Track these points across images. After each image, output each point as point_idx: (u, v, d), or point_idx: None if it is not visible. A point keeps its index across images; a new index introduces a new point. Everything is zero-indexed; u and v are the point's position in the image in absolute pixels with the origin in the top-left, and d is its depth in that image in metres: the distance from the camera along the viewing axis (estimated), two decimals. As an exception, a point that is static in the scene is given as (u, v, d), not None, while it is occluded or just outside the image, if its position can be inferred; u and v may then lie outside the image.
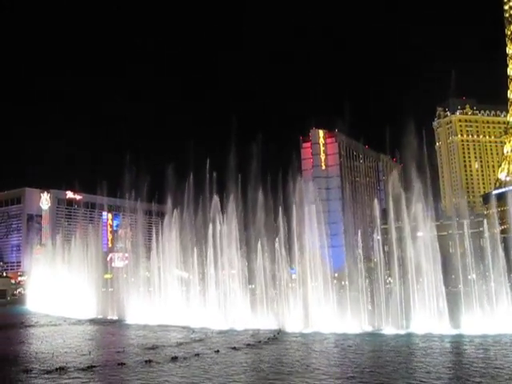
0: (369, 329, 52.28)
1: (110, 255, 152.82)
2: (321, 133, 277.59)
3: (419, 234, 54.55)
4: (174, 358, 37.03)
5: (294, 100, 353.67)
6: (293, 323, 55.01)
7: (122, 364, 35.07)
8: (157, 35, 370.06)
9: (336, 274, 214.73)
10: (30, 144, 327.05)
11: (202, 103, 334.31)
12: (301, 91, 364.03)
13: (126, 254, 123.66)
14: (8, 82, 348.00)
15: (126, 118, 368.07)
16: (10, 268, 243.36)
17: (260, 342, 46.15)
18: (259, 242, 64.21)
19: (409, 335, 47.93)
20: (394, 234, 57.02)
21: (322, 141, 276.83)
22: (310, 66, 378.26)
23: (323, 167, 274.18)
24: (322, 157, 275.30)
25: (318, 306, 56.57)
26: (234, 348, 42.21)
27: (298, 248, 61.54)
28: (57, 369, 33.50)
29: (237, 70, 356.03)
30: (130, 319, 69.16)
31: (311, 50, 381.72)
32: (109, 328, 64.54)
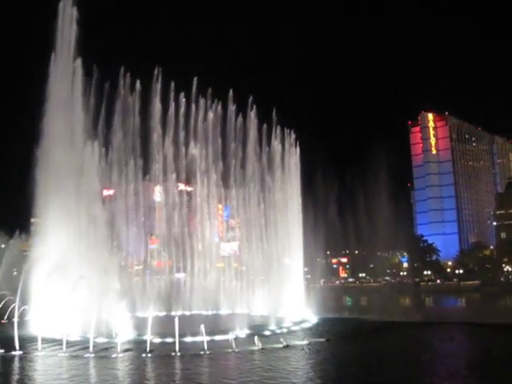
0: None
1: (221, 244, 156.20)
2: (430, 116, 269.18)
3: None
4: (286, 346, 37.57)
5: (401, 82, 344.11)
6: (405, 314, 54.09)
7: (233, 350, 35.98)
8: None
9: (450, 263, 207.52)
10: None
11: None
12: (407, 73, 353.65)
13: (237, 243, 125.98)
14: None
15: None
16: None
17: (371, 331, 45.94)
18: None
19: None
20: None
21: (431, 124, 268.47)
22: (416, 48, 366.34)
23: (434, 152, 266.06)
24: (432, 141, 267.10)
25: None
26: (344, 337, 42.24)
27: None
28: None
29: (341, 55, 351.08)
30: (240, 309, 70.25)
31: (416, 31, 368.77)
32: (216, 316, 65.86)
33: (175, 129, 72.75)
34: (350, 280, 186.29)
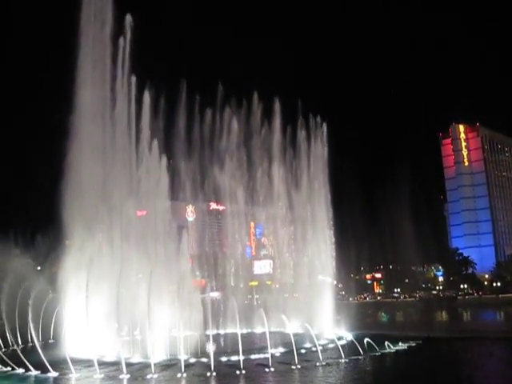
0: None
1: (254, 262, 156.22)
2: (461, 128, 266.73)
3: None
4: (324, 364, 37.05)
5: (430, 95, 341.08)
6: (443, 329, 53.03)
7: (269, 369, 35.63)
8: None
9: (486, 275, 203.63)
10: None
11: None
12: (436, 85, 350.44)
13: (270, 261, 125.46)
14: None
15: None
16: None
17: (408, 347, 45.16)
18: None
19: None
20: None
21: (462, 136, 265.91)
22: (446, 60, 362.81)
23: (466, 163, 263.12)
24: (464, 152, 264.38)
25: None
26: (382, 354, 41.59)
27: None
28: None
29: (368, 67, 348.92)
30: (274, 327, 69.50)
31: (445, 42, 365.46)
32: (251, 335, 65.31)
33: (204, 147, 72.67)
34: (395, 295, 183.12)
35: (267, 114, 72.58)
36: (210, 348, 37.72)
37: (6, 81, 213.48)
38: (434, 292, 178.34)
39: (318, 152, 72.02)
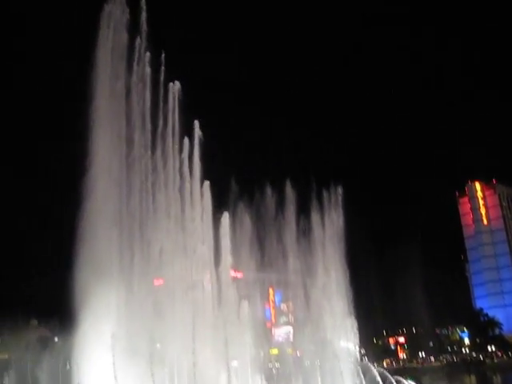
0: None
1: (275, 330, 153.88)
2: (477, 186, 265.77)
3: None
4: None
5: (444, 153, 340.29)
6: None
7: None
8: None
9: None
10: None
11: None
12: (450, 142, 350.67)
13: (290, 328, 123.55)
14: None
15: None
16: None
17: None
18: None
19: None
20: None
21: (479, 194, 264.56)
22: (459, 118, 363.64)
23: (485, 222, 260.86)
24: (483, 211, 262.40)
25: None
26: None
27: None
28: None
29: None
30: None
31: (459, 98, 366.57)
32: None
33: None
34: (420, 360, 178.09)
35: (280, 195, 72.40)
36: None
37: None
38: (464, 355, 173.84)
39: (333, 219, 71.81)
